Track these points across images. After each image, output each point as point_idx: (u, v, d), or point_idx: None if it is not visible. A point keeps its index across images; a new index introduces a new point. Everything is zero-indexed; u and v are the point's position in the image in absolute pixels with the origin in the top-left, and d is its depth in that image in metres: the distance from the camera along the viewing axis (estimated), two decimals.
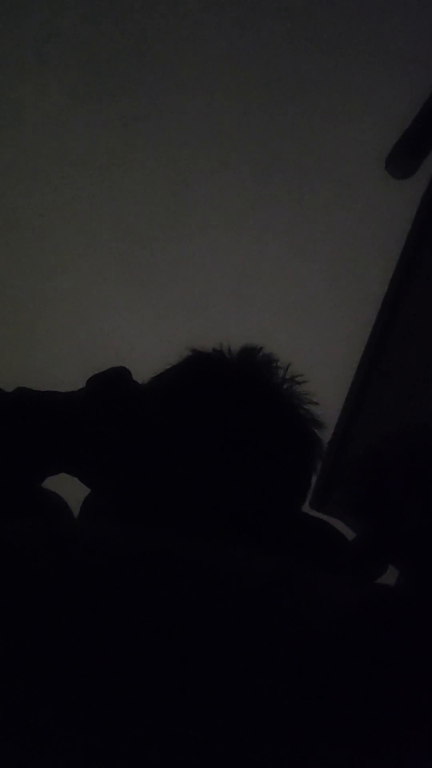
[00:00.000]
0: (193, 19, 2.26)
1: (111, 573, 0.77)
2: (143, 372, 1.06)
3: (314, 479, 1.07)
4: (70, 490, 1.01)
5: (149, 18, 2.26)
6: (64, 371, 1.06)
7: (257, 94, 2.27)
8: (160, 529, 0.86)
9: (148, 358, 1.05)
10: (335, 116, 2.25)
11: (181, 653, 0.73)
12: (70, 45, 2.26)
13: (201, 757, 0.71)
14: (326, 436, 1.08)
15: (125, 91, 2.27)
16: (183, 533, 0.85)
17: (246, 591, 0.76)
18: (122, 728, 0.72)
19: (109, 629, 0.74)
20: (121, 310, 2.25)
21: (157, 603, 0.75)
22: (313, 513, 1.44)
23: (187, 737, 0.71)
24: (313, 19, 2.25)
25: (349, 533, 1.09)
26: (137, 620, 0.74)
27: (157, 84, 2.26)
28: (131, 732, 0.71)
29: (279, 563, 0.81)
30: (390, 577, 1.06)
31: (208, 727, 0.71)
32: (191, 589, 0.76)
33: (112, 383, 1.03)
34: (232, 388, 1.03)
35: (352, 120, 2.23)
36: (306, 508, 1.09)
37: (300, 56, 2.25)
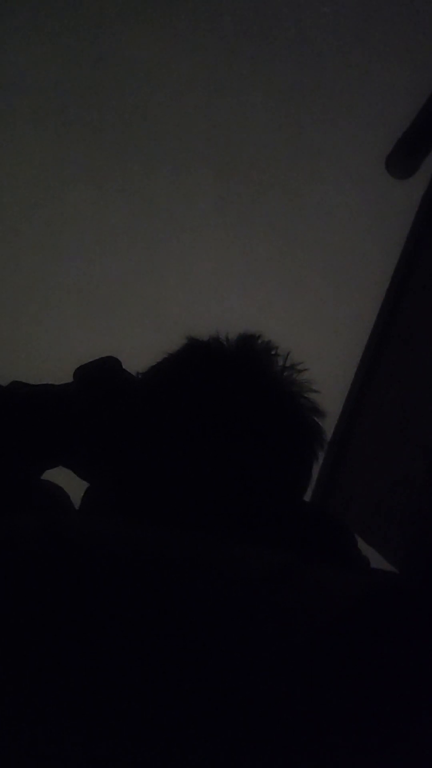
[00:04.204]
0: (195, 18, 2.26)
1: (109, 570, 0.76)
2: (141, 362, 1.04)
3: (316, 470, 1.04)
4: (75, 480, 1.00)
5: (146, 13, 2.26)
6: (62, 364, 1.05)
7: (257, 93, 2.27)
8: (158, 524, 0.84)
9: (146, 348, 1.03)
10: (335, 116, 2.25)
11: (181, 651, 0.73)
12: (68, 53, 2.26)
13: (201, 756, 0.71)
14: (328, 425, 1.04)
15: (120, 77, 2.27)
16: (181, 527, 0.84)
17: (245, 586, 0.76)
18: (121, 726, 0.71)
19: (108, 626, 0.73)
20: (120, 303, 2.25)
21: (155, 600, 0.75)
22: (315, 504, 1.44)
23: (187, 736, 0.71)
24: (313, 19, 2.25)
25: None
26: (136, 616, 0.74)
27: (155, 75, 2.27)
28: (130, 729, 0.71)
29: (279, 557, 0.80)
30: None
31: (208, 724, 0.71)
32: (190, 586, 0.76)
33: (100, 374, 1.01)
34: (230, 375, 1.01)
35: (352, 120, 2.23)
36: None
37: (300, 56, 2.26)
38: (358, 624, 0.75)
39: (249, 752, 0.71)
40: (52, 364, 1.11)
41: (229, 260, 2.25)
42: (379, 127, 2.10)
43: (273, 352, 1.02)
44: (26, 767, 0.71)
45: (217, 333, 1.03)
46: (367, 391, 1.51)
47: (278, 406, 1.01)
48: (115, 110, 2.27)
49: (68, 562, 0.75)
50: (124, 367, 1.03)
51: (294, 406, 1.01)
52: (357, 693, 0.72)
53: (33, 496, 0.95)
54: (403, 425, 1.38)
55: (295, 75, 2.26)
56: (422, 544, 1.19)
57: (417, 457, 1.31)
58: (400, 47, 2.21)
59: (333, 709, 0.72)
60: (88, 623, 0.73)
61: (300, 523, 0.93)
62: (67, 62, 2.25)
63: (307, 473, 1.03)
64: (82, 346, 2.01)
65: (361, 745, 0.71)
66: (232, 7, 2.25)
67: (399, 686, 0.73)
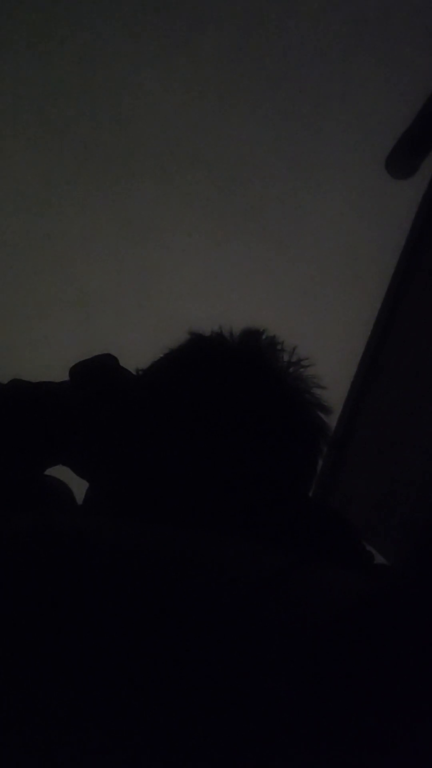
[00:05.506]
0: (193, 20, 2.26)
1: (109, 569, 0.76)
2: (142, 361, 1.03)
3: (320, 466, 1.02)
4: (77, 478, 1.00)
5: (145, 8, 2.26)
6: (62, 363, 1.04)
7: (258, 94, 2.27)
8: (159, 523, 0.83)
9: (147, 347, 1.02)
10: (335, 116, 2.25)
11: (181, 650, 0.73)
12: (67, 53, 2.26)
13: (201, 755, 0.71)
14: (332, 421, 1.02)
15: (119, 82, 2.27)
16: (182, 525, 0.83)
17: (246, 585, 0.76)
18: (121, 724, 0.71)
19: (108, 625, 0.73)
20: (123, 304, 2.25)
21: (156, 598, 0.74)
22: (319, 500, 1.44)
23: (187, 735, 0.71)
24: (313, 20, 2.25)
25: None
26: (136, 616, 0.74)
27: (154, 78, 2.27)
28: (130, 728, 0.71)
29: (281, 556, 0.80)
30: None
31: (208, 724, 0.71)
32: (191, 584, 0.76)
33: (96, 372, 1.01)
34: (233, 370, 0.99)
35: (352, 120, 2.23)
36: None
37: (300, 57, 2.26)
38: (359, 624, 0.75)
39: (249, 752, 0.71)
40: (52, 362, 1.11)
41: (230, 259, 2.25)
42: (379, 127, 2.10)
43: (278, 347, 1.01)
44: (26, 767, 0.71)
45: (220, 328, 1.02)
46: (367, 390, 1.51)
47: (283, 401, 0.99)
48: (115, 115, 2.28)
49: (68, 562, 0.75)
50: (122, 364, 1.02)
51: (299, 401, 1.00)
52: (357, 693, 0.72)
53: (34, 493, 0.95)
54: (403, 425, 1.38)
55: (295, 74, 2.26)
56: (422, 544, 1.19)
57: (417, 457, 1.31)
58: (400, 47, 2.21)
59: (334, 708, 0.72)
60: (88, 623, 0.73)
61: (304, 518, 0.92)
62: (67, 72, 2.25)
63: (311, 470, 1.01)
64: (81, 345, 2.00)
65: (363, 745, 0.71)
66: (231, 8, 2.25)
67: (400, 686, 0.73)
